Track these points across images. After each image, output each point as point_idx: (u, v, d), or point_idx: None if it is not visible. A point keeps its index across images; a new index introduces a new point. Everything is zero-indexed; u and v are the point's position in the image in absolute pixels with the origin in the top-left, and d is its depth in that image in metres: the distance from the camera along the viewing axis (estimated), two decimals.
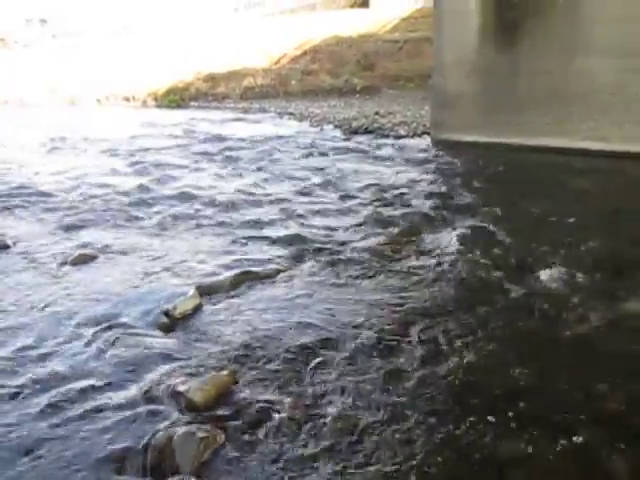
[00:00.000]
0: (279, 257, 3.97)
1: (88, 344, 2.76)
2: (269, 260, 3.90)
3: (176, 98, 19.92)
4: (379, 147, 8.88)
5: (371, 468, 1.89)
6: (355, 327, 2.88)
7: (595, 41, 7.42)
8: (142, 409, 2.24)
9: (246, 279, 3.54)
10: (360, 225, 4.71)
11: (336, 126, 11.42)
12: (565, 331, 2.80)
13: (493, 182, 6.39)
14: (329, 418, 2.15)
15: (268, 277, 3.60)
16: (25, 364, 2.58)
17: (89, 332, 2.89)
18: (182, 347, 2.73)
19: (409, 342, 2.72)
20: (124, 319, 3.01)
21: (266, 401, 2.25)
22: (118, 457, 1.98)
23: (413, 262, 3.84)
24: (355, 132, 10.62)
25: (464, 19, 8.90)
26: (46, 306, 3.23)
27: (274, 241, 4.34)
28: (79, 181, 6.72)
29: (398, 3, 26.15)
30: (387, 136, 10.01)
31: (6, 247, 4.28)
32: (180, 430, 2.07)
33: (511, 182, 6.33)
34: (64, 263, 3.94)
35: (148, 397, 2.32)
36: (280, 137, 10.17)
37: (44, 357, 2.64)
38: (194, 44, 24.42)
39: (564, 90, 7.81)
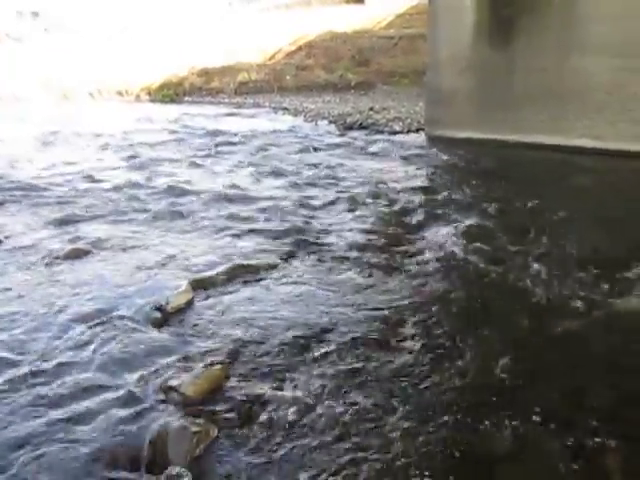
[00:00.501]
0: (272, 252, 3.96)
1: (80, 339, 2.74)
2: (262, 255, 3.89)
3: (170, 93, 19.85)
4: (373, 143, 8.88)
5: (362, 462, 1.89)
6: (348, 322, 2.88)
7: (591, 39, 7.43)
8: (135, 404, 2.23)
9: (239, 274, 3.53)
10: (354, 220, 4.71)
11: (330, 121, 11.41)
12: (557, 327, 2.80)
13: (487, 178, 6.40)
14: (321, 412, 2.15)
15: (261, 272, 3.59)
16: (16, 359, 2.56)
17: (81, 327, 2.87)
18: (175, 342, 2.71)
19: (402, 337, 2.72)
20: (117, 313, 2.99)
21: (258, 395, 2.24)
22: (111, 452, 1.97)
23: (407, 257, 3.84)
24: (350, 128, 10.62)
25: (459, 16, 8.90)
26: (38, 301, 3.21)
27: (267, 236, 4.33)
28: (72, 176, 6.69)
29: None
30: (381, 132, 10.01)
31: None
32: (173, 424, 2.06)
33: (505, 178, 6.34)
34: (57, 258, 3.91)
35: (141, 392, 2.31)
36: (274, 132, 10.15)
37: (35, 352, 2.62)
38: (188, 39, 24.30)
39: (560, 88, 7.82)
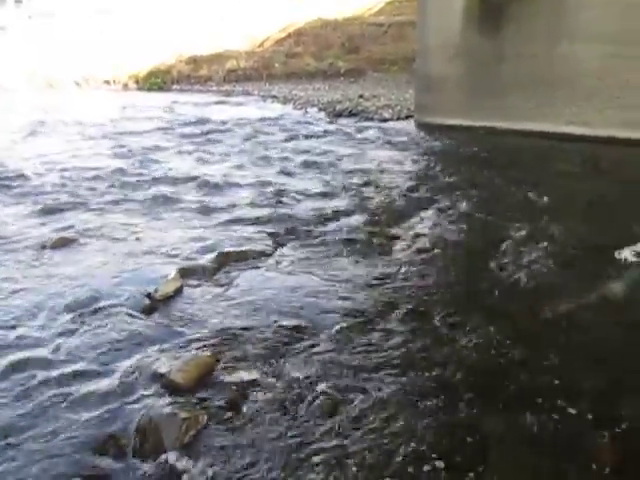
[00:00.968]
0: (262, 239, 3.94)
1: (68, 327, 2.73)
2: (252, 242, 3.88)
3: (158, 81, 19.65)
4: (363, 130, 8.86)
5: (353, 447, 1.90)
6: (338, 308, 2.88)
7: (581, 26, 7.42)
8: (124, 391, 2.22)
9: (228, 261, 3.52)
10: (344, 207, 4.70)
11: (320, 109, 11.36)
12: (547, 311, 2.82)
13: (476, 165, 6.40)
14: (311, 398, 2.15)
15: (251, 259, 3.58)
16: (5, 348, 2.54)
17: (70, 315, 2.85)
18: (164, 329, 2.70)
19: (392, 323, 2.72)
20: (105, 302, 2.98)
21: (248, 382, 2.24)
22: (101, 440, 1.96)
23: (397, 244, 3.84)
24: (339, 115, 10.58)
25: (448, 2, 8.85)
26: (26, 290, 3.18)
27: (257, 223, 4.31)
28: (59, 165, 6.61)
29: None
30: (371, 119, 9.98)
31: None
32: (163, 411, 2.06)
33: (494, 165, 6.34)
34: (44, 247, 3.87)
35: (130, 379, 2.30)
36: (263, 120, 10.08)
37: (24, 341, 2.60)
38: (176, 26, 23.99)
39: (549, 75, 7.82)
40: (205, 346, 2.52)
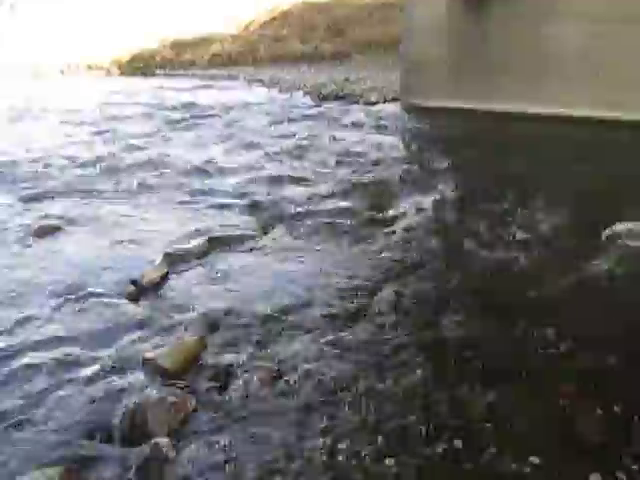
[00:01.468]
0: (248, 224, 3.94)
1: (54, 314, 2.71)
2: (238, 227, 3.87)
3: (141, 66, 19.38)
4: (349, 113, 8.82)
5: (341, 427, 1.91)
6: (325, 291, 2.89)
7: (565, 6, 7.40)
8: (112, 377, 2.22)
9: (215, 246, 3.51)
10: (330, 191, 4.69)
11: (306, 92, 11.27)
12: (531, 292, 2.85)
13: (462, 147, 6.41)
14: (299, 381, 2.16)
15: (237, 244, 3.57)
16: None
17: (55, 303, 2.83)
18: (151, 315, 2.69)
19: (380, 305, 2.74)
20: (91, 289, 2.96)
21: (236, 365, 2.25)
22: (88, 425, 1.96)
23: (384, 226, 3.85)
24: (325, 98, 10.52)
25: None
26: (10, 278, 3.15)
27: (243, 208, 4.30)
28: (42, 152, 6.53)
29: None
30: (357, 102, 9.93)
31: None
32: (151, 396, 2.06)
33: (480, 147, 6.35)
34: (27, 235, 3.83)
35: (118, 365, 2.29)
36: (249, 104, 10.00)
37: (9, 327, 2.59)
38: (158, 9, 23.60)
39: (534, 56, 7.81)
40: (192, 331, 2.51)
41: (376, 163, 5.66)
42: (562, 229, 3.65)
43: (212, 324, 2.58)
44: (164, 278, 3.09)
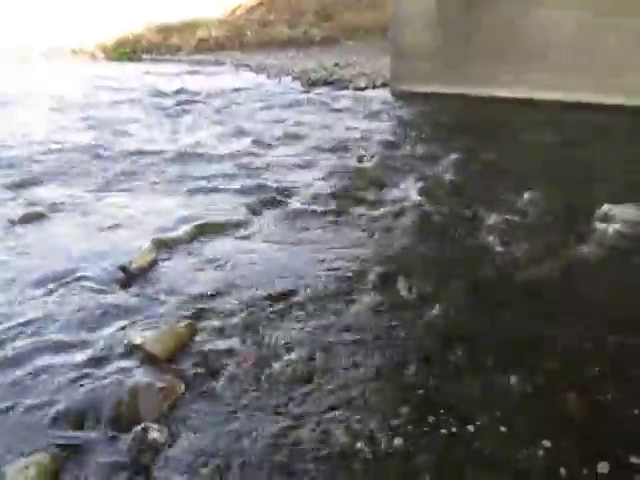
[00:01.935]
0: (237, 210, 3.91)
1: (42, 300, 2.69)
2: (227, 213, 3.84)
3: (127, 51, 19.07)
4: (338, 99, 8.76)
5: (329, 412, 1.92)
6: (314, 277, 2.88)
7: None
8: (101, 363, 2.21)
9: (203, 232, 3.48)
10: (319, 177, 4.67)
11: (294, 78, 11.17)
12: (519, 276, 2.87)
13: (451, 132, 6.40)
14: (288, 365, 2.16)
15: (226, 229, 3.55)
16: None
17: (42, 290, 2.81)
18: (140, 301, 2.68)
19: (367, 291, 2.74)
20: (78, 275, 2.93)
21: (225, 351, 2.25)
22: (78, 412, 1.95)
23: (372, 212, 3.84)
24: (314, 84, 10.42)
25: None
26: None
27: (231, 194, 4.27)
28: (26, 138, 6.42)
29: None
30: (346, 88, 9.87)
31: None
32: (140, 382, 2.05)
33: (469, 132, 6.35)
34: (13, 222, 3.78)
35: (107, 352, 2.28)
36: (237, 90, 9.89)
37: None
38: None
39: (522, 41, 7.81)
40: (181, 317, 2.50)
41: (366, 149, 5.64)
42: (550, 212, 3.67)
43: (201, 310, 2.57)
44: (153, 264, 3.07)
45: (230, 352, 2.23)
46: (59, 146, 5.97)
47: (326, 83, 10.47)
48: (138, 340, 2.31)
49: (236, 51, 17.99)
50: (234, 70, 13.77)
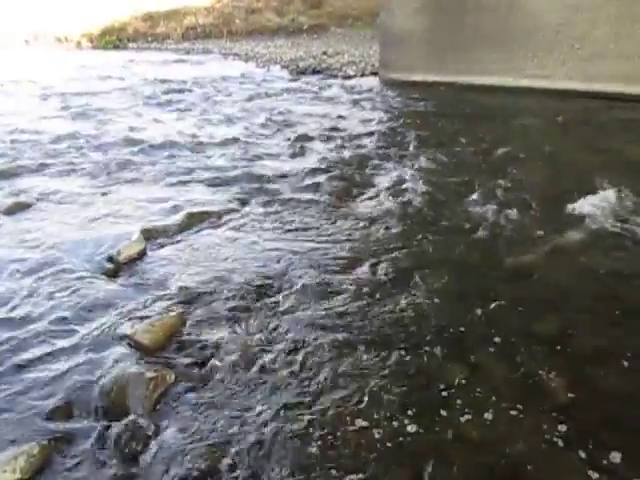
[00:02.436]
0: (225, 199, 3.89)
1: (30, 290, 2.66)
2: (215, 202, 3.82)
3: (113, 39, 18.85)
4: (327, 87, 8.72)
5: (320, 401, 1.92)
6: (302, 266, 2.88)
7: None
8: (90, 354, 2.19)
9: (192, 222, 3.46)
10: (308, 166, 4.65)
11: (283, 67, 11.12)
12: (506, 261, 2.88)
13: (440, 120, 6.41)
14: (277, 354, 2.16)
15: (214, 219, 3.53)
16: None
17: (31, 279, 2.78)
18: (128, 291, 2.66)
19: (356, 279, 2.74)
20: (66, 266, 2.90)
21: (214, 340, 2.24)
22: (67, 402, 1.94)
23: (360, 200, 3.84)
24: (303, 72, 10.38)
25: None
26: None
27: (220, 183, 4.24)
28: (10, 127, 6.34)
29: None
30: (335, 76, 9.83)
31: None
32: (129, 372, 2.04)
33: (457, 120, 6.35)
34: None
35: (95, 342, 2.27)
36: (225, 79, 9.82)
37: None
38: None
39: (510, 28, 7.81)
40: (171, 307, 2.49)
41: (355, 137, 5.63)
42: (538, 199, 3.68)
43: (191, 300, 2.55)
44: (142, 254, 3.04)
45: (219, 342, 2.23)
46: (44, 135, 5.90)
47: (315, 71, 10.43)
48: (127, 330, 2.30)
49: (224, 39, 17.85)
50: (222, 58, 13.67)
